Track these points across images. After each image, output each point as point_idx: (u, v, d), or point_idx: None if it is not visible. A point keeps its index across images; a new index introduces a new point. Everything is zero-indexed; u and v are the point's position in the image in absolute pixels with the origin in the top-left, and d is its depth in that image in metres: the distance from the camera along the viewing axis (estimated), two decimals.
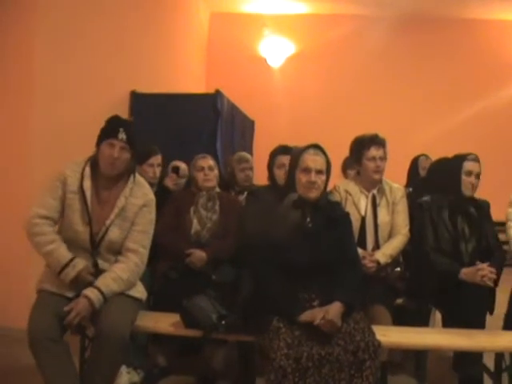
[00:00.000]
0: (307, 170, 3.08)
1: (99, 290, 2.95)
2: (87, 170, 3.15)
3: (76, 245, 3.08)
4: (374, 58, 9.07)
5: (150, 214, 3.25)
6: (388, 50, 9.11)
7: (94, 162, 3.18)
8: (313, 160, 3.10)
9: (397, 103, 8.94)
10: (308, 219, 3.11)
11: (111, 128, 3.14)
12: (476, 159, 3.81)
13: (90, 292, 2.93)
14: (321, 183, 3.13)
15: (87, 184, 3.11)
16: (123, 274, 3.06)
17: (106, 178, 3.17)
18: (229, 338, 3.21)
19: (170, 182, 4.83)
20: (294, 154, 3.21)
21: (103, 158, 3.12)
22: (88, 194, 3.09)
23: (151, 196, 3.29)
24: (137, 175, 3.29)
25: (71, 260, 3.00)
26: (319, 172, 3.10)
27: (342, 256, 3.10)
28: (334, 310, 2.84)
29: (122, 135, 3.10)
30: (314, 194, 3.10)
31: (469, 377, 3.49)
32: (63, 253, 3.02)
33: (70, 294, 3.00)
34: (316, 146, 3.15)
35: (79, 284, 3.00)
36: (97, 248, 3.10)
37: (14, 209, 4.69)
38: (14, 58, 4.81)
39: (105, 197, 3.16)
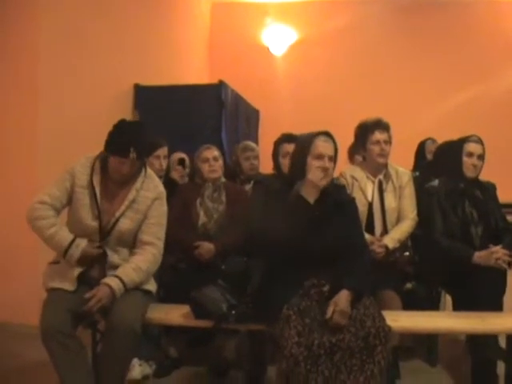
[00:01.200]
0: (320, 157, 3.07)
1: (120, 278, 2.97)
2: (97, 165, 3.15)
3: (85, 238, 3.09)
4: (377, 44, 9.01)
5: (163, 207, 3.28)
6: (391, 34, 9.05)
7: (103, 159, 3.18)
8: (325, 146, 3.09)
9: (401, 88, 8.88)
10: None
11: (121, 147, 3.05)
12: (478, 141, 3.80)
13: (110, 280, 2.95)
14: (331, 170, 3.13)
15: (97, 179, 3.12)
16: (142, 264, 3.08)
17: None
18: (239, 327, 3.21)
19: (176, 175, 4.83)
20: (303, 140, 3.18)
21: (112, 169, 3.12)
22: (98, 189, 3.10)
23: (161, 188, 3.31)
24: (148, 168, 3.30)
25: (73, 240, 3.01)
26: (330, 158, 3.10)
27: (350, 241, 3.09)
28: (343, 299, 2.84)
29: (133, 155, 3.04)
30: (325, 181, 3.09)
31: (482, 359, 3.50)
32: (65, 235, 3.04)
33: (71, 288, 3.00)
34: (326, 133, 3.15)
35: (87, 262, 3.02)
36: (105, 239, 3.10)
37: (20, 205, 4.71)
38: (18, 54, 4.83)
39: (115, 191, 3.17)
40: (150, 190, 3.20)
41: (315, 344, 2.63)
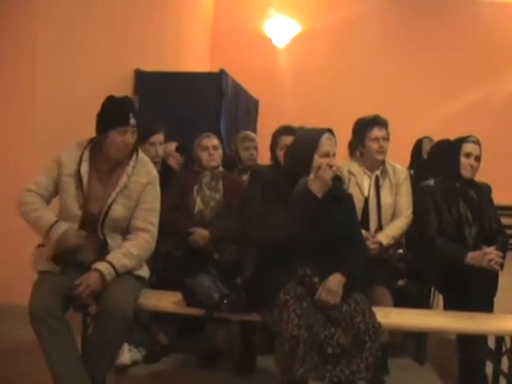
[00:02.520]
0: (327, 155, 3.09)
1: (110, 263, 2.96)
2: (86, 154, 3.12)
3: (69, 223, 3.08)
4: (380, 37, 9.01)
5: (155, 191, 3.25)
6: (394, 28, 9.06)
7: (93, 146, 3.15)
8: (331, 145, 3.12)
9: (403, 83, 8.90)
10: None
11: (121, 115, 3.07)
12: (476, 142, 3.80)
13: (100, 265, 2.94)
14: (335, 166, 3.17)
15: (85, 168, 3.09)
16: (134, 249, 3.07)
17: (108, 160, 3.16)
18: (231, 317, 3.21)
19: (173, 162, 4.81)
20: (308, 137, 3.18)
21: (115, 145, 3.09)
22: (85, 178, 3.07)
23: (154, 173, 3.27)
24: (140, 153, 3.26)
25: (55, 223, 2.99)
26: (334, 155, 3.13)
27: (346, 234, 3.12)
28: (333, 279, 2.90)
29: (133, 120, 3.07)
30: (329, 176, 3.12)
31: (471, 359, 3.52)
32: (47, 217, 3.02)
33: (56, 270, 3.00)
34: (329, 130, 3.16)
35: (64, 248, 2.99)
36: (101, 227, 3.09)
37: (17, 190, 4.71)
38: (17, 39, 4.80)
39: (107, 178, 3.14)
40: (141, 174, 3.17)
41: (315, 326, 2.70)
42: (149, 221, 3.18)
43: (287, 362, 2.66)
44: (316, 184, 3.03)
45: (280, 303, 2.80)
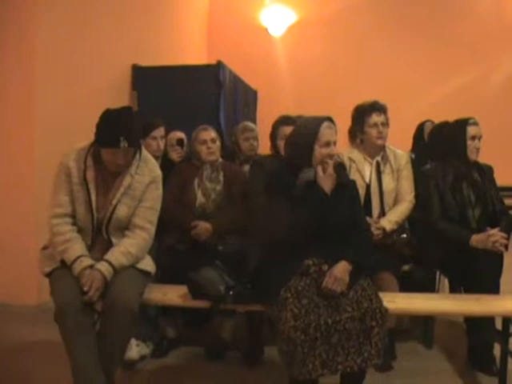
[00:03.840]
0: (328, 144, 3.07)
1: (109, 262, 2.96)
2: (90, 159, 3.09)
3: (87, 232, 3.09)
4: (376, 25, 8.97)
5: (158, 190, 3.24)
6: (389, 16, 9.01)
7: (95, 151, 3.11)
8: (331, 134, 3.09)
9: (400, 69, 8.87)
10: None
11: (111, 137, 2.96)
12: (477, 123, 3.82)
13: (101, 266, 2.94)
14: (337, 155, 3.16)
15: (91, 174, 3.07)
16: (131, 248, 3.07)
17: None
18: (237, 308, 3.22)
19: (174, 155, 4.80)
20: (307, 127, 3.15)
21: (107, 162, 3.06)
22: (91, 184, 3.06)
23: (158, 172, 3.26)
24: (143, 151, 3.23)
25: (76, 259, 2.96)
26: (335, 144, 3.11)
27: (351, 222, 3.10)
28: (339, 267, 2.88)
29: (124, 143, 2.95)
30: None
31: (478, 341, 3.52)
32: (72, 253, 2.99)
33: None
34: (329, 119, 3.13)
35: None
36: (107, 227, 3.10)
37: (19, 188, 4.74)
38: (15, 34, 4.80)
39: (111, 181, 3.13)
40: (144, 174, 3.16)
41: (312, 327, 2.64)
42: (148, 219, 3.17)
43: (288, 362, 2.66)
44: (327, 182, 3.02)
45: (280, 301, 2.78)
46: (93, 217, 3.07)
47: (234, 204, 4.02)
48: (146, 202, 3.17)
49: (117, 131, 2.95)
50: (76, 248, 3.01)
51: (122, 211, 3.10)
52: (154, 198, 3.22)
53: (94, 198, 3.06)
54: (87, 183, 3.05)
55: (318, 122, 3.10)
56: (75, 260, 2.95)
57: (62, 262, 3.02)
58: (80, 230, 3.11)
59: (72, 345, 2.82)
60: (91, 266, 2.94)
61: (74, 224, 3.11)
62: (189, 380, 3.57)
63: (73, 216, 3.10)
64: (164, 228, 3.69)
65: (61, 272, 3.01)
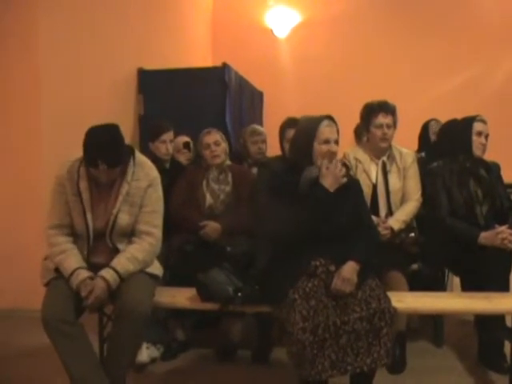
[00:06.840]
0: (327, 141, 3.08)
1: (115, 270, 2.97)
2: (82, 170, 3.09)
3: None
4: (381, 25, 8.95)
5: (157, 192, 3.22)
6: (395, 15, 8.98)
7: None
8: (330, 131, 3.09)
9: (405, 68, 8.83)
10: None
11: (90, 159, 2.98)
12: (484, 120, 3.82)
13: (105, 273, 2.94)
14: (337, 153, 3.15)
15: (84, 185, 3.07)
16: (138, 253, 3.07)
17: None
18: (246, 309, 3.22)
19: (182, 158, 4.83)
20: (306, 126, 3.16)
21: (94, 176, 3.07)
22: (85, 195, 3.07)
23: (154, 174, 3.23)
24: (137, 155, 3.21)
25: (73, 271, 2.96)
26: (335, 142, 3.11)
27: (357, 221, 3.11)
28: (347, 267, 2.88)
29: (103, 166, 2.94)
30: (342, 174, 3.10)
31: (489, 339, 3.51)
32: (69, 263, 3.00)
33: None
34: (329, 117, 3.14)
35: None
36: (110, 236, 3.11)
37: (25, 192, 4.76)
38: (20, 40, 4.81)
39: (107, 190, 3.13)
40: (141, 179, 3.14)
41: (320, 328, 2.64)
42: (152, 223, 3.16)
43: (297, 363, 2.66)
44: (328, 179, 3.01)
45: (288, 302, 2.77)
46: (87, 226, 3.07)
47: (243, 204, 4.03)
48: (147, 206, 3.15)
49: (95, 154, 2.96)
50: (71, 261, 3.02)
51: (123, 219, 3.10)
52: (155, 200, 3.20)
53: (88, 207, 3.07)
54: (80, 193, 3.06)
55: (317, 120, 3.12)
56: (72, 273, 2.96)
57: (57, 270, 3.04)
58: (79, 239, 3.13)
59: (64, 356, 2.83)
60: (90, 278, 2.94)
61: (70, 235, 3.13)
62: (199, 382, 3.57)
63: (69, 226, 3.12)
64: (172, 229, 3.70)
65: (55, 283, 3.02)
